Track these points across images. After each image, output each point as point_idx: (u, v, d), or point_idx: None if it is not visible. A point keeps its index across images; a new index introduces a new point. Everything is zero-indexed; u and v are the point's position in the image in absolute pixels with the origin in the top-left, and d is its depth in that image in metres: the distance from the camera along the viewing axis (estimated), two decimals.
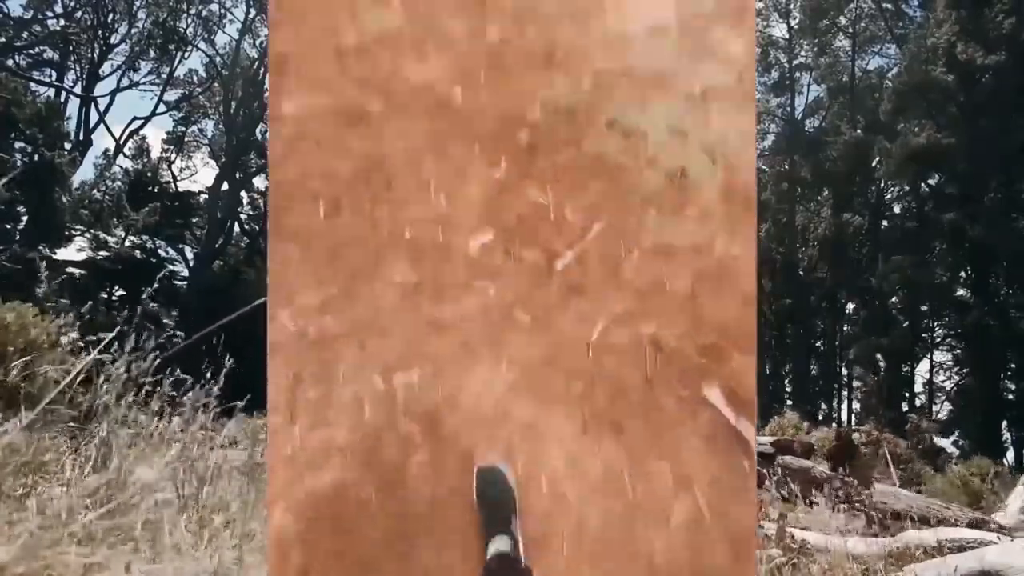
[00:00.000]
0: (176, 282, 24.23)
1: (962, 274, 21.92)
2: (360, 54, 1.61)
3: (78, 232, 21.95)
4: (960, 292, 22.04)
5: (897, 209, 26.42)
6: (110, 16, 24.54)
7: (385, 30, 1.62)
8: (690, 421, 1.45)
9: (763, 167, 28.09)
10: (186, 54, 26.13)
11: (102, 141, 37.02)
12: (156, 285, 4.15)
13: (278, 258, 1.53)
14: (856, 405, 25.71)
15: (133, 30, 24.94)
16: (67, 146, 21.61)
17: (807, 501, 5.77)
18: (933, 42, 20.67)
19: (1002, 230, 18.80)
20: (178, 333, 3.99)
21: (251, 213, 26.63)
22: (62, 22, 23.89)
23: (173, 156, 26.66)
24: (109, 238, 22.61)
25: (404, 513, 1.45)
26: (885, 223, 26.01)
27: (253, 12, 26.14)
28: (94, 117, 24.15)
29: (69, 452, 2.86)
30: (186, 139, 27.07)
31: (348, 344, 1.52)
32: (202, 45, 26.33)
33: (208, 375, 3.89)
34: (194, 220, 25.50)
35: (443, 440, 1.47)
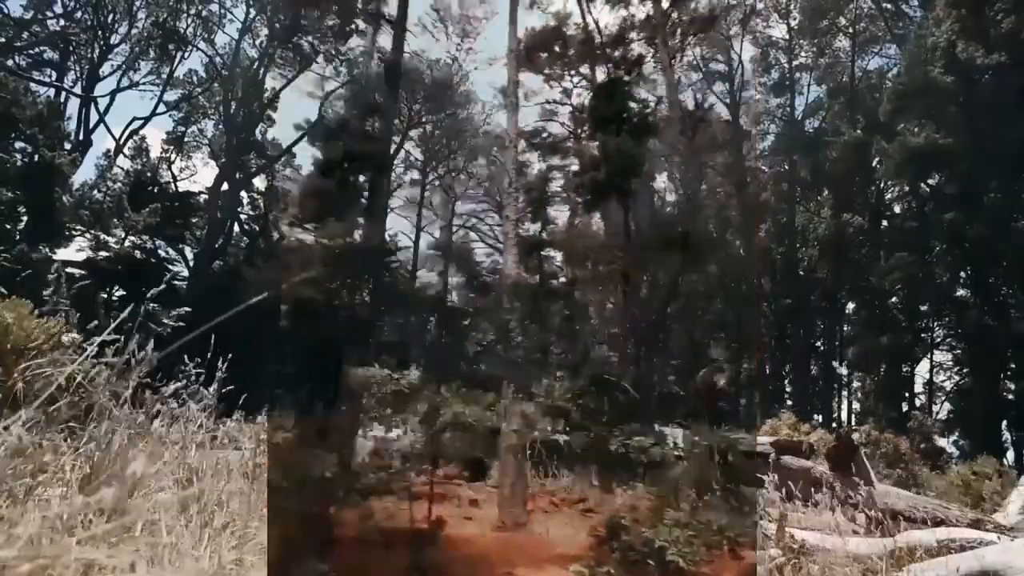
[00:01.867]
0: (176, 282, 24.21)
1: (962, 274, 21.90)
2: None
3: (78, 232, 21.93)
4: (960, 292, 22.02)
5: (897, 209, 26.41)
6: (110, 16, 24.52)
7: None
8: None
9: (763, 167, 28.12)
10: (186, 54, 26.10)
11: (102, 141, 37.01)
12: (161, 287, 4.15)
13: None
14: (856, 405, 25.73)
15: (133, 30, 24.92)
16: (67, 146, 21.59)
17: (807, 501, 5.77)
18: (933, 42, 20.66)
19: (1002, 230, 18.79)
20: (182, 313, 3.98)
21: (251, 213, 26.61)
22: (62, 22, 23.88)
23: (173, 156, 26.64)
24: (109, 238, 22.58)
25: None
26: (885, 223, 26.00)
27: (253, 12, 26.13)
28: (94, 117, 24.12)
29: (69, 452, 2.86)
30: (186, 139, 27.04)
31: None
32: (202, 45, 26.31)
33: (207, 375, 3.88)
34: (194, 220, 25.47)
35: None
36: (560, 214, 16.50)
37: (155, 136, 33.39)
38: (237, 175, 25.66)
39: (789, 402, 23.31)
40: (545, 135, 16.23)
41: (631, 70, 14.12)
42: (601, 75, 15.06)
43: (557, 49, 16.05)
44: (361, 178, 13.58)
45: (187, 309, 4.69)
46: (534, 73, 16.86)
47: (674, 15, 15.71)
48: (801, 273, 26.81)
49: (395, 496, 6.42)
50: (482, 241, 25.54)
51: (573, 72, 16.95)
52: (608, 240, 13.52)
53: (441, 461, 9.27)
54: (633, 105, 13.35)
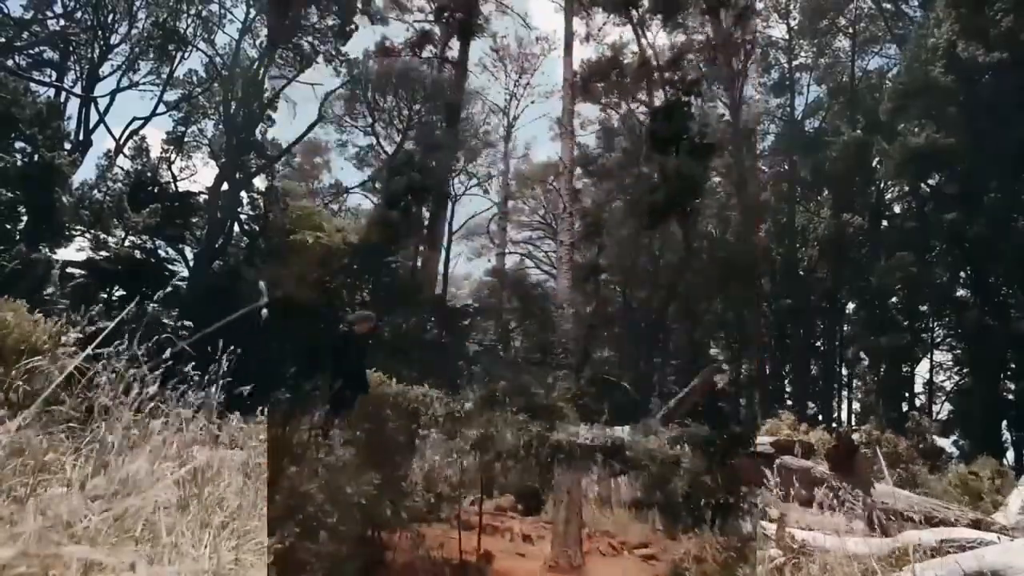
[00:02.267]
0: (176, 282, 24.19)
1: (962, 274, 21.89)
2: None
3: (78, 232, 21.92)
4: (960, 292, 22.01)
5: (897, 209, 26.39)
6: (110, 16, 24.51)
7: None
8: None
9: (763, 167, 28.10)
10: (186, 54, 26.07)
11: (102, 141, 36.95)
12: (166, 290, 4.15)
13: None
14: (856, 405, 25.72)
15: (133, 30, 24.89)
16: (67, 146, 21.58)
17: (807, 501, 5.76)
18: (933, 42, 20.65)
19: (1002, 230, 18.79)
20: (185, 324, 3.99)
21: (251, 213, 26.56)
22: (62, 22, 23.88)
23: (173, 156, 26.61)
24: (109, 238, 22.57)
25: None
26: (885, 223, 25.98)
27: (253, 12, 26.11)
28: (94, 117, 24.09)
29: (70, 451, 2.86)
30: (186, 139, 27.00)
31: None
32: (202, 45, 26.27)
33: (208, 375, 3.90)
34: (194, 220, 25.45)
35: None
36: (617, 239, 16.58)
37: (155, 136, 33.38)
38: (237, 175, 25.65)
39: (789, 402, 23.30)
40: (602, 162, 16.37)
41: (690, 91, 14.17)
42: (659, 99, 15.18)
43: (614, 78, 16.22)
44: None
45: (203, 334, 4.67)
46: (592, 103, 17.08)
47: (736, 35, 15.77)
48: (801, 273, 26.79)
49: (447, 524, 6.31)
50: (537, 267, 26.06)
51: (631, 99, 17.16)
52: (668, 263, 13.51)
53: (495, 491, 9.01)
54: (692, 126, 13.33)
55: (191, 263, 24.94)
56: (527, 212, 26.69)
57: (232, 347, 4.62)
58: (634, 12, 13.84)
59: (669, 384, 19.82)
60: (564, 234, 11.22)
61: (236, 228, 26.43)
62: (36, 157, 19.65)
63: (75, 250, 21.77)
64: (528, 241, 26.92)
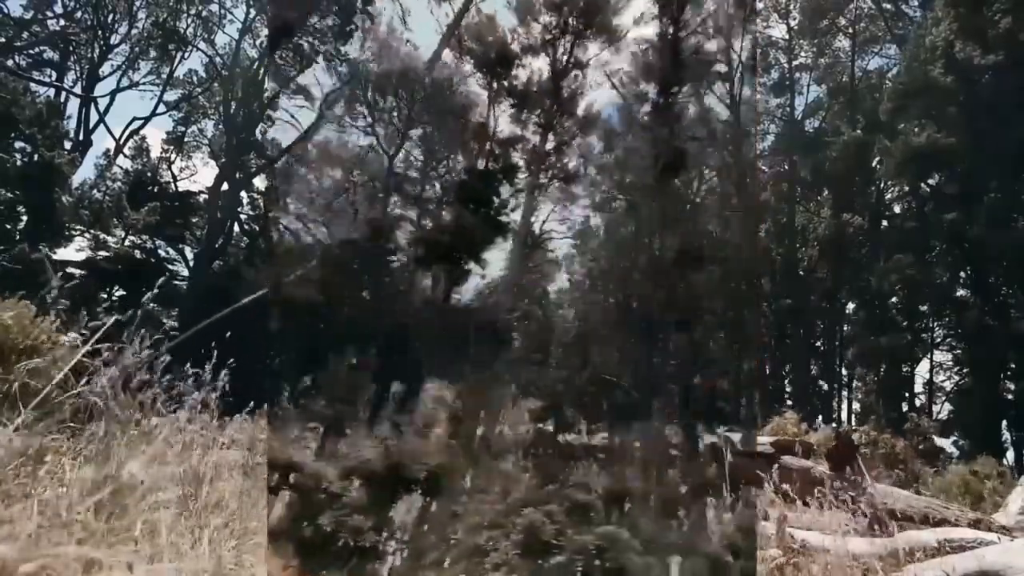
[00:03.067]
0: (176, 282, 24.21)
1: (962, 274, 21.90)
2: None
3: (78, 232, 21.94)
4: (960, 292, 22.02)
5: (897, 209, 26.42)
6: (110, 16, 24.53)
7: None
8: None
9: (763, 167, 28.11)
10: (186, 54, 26.13)
11: (102, 141, 36.98)
12: (155, 291, 4.14)
13: None
14: (856, 405, 25.72)
15: (133, 30, 24.95)
16: (67, 146, 21.60)
17: (807, 501, 5.76)
18: (932, 41, 20.66)
19: (1002, 230, 18.79)
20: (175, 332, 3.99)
21: (251, 213, 26.60)
22: (62, 22, 23.89)
23: (173, 156, 26.66)
24: (109, 238, 22.59)
25: None
26: (885, 223, 26.01)
27: (253, 12, 26.14)
28: (94, 117, 24.15)
29: (69, 452, 2.85)
30: (186, 139, 27.05)
31: None
32: (202, 45, 26.33)
33: (208, 374, 3.88)
34: (194, 220, 25.48)
35: None
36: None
37: (155, 136, 33.43)
38: (237, 175, 25.66)
39: (789, 402, 23.30)
40: (417, 187, 16.94)
41: (506, 172, 15.12)
42: (482, 163, 16.06)
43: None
44: None
45: (195, 329, 4.61)
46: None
47: (551, 158, 16.78)
48: (801, 273, 26.80)
49: None
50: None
51: (462, 150, 17.95)
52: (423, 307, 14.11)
53: None
54: (495, 199, 14.25)
55: (191, 263, 24.98)
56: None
57: (232, 347, 4.61)
58: (495, 83, 14.68)
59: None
60: None
61: (236, 228, 26.48)
62: (36, 157, 19.65)
63: (75, 250, 21.79)
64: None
